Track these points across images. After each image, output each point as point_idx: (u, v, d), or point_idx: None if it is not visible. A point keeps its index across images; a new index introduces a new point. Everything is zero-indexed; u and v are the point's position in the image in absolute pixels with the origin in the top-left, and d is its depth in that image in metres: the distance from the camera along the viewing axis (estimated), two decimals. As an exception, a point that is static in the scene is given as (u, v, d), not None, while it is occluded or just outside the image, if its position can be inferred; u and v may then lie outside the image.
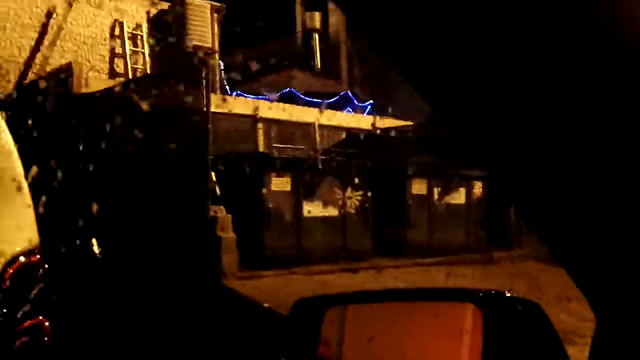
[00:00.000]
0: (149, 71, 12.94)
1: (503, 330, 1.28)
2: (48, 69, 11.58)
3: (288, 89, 15.58)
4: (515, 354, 1.23)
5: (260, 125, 13.22)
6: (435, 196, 11.73)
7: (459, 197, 12.12)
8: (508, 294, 1.36)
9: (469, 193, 12.28)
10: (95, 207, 8.48)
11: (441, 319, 1.59)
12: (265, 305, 6.33)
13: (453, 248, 11.21)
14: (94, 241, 8.02)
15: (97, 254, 7.87)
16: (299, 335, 1.61)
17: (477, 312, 1.35)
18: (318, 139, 13.99)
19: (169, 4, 13.91)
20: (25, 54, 11.70)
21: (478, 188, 12.40)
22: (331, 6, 19.80)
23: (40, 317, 3.51)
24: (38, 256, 3.57)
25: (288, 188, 9.46)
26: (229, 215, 8.42)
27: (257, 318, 6.12)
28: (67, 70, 10.79)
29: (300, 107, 14.63)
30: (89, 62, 12.25)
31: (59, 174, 7.71)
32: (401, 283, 8.59)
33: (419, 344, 1.64)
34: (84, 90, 10.56)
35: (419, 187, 11.51)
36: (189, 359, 5.05)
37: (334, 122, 14.78)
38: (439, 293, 1.73)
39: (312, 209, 9.74)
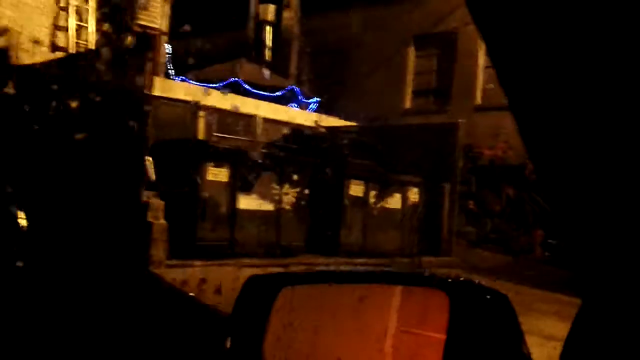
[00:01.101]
0: (92, 47, 12.61)
1: (469, 317, 1.28)
2: (-16, 36, 11.15)
3: (234, 78, 15.45)
4: (479, 342, 1.24)
5: (201, 113, 13.07)
6: (372, 199, 11.83)
7: (394, 201, 12.26)
8: (476, 282, 1.38)
9: (404, 198, 12.43)
10: (26, 181, 8.24)
11: (404, 303, 1.60)
12: (190, 294, 6.29)
13: (385, 251, 11.34)
14: (21, 214, 7.79)
15: (24, 227, 7.64)
16: (248, 314, 1.58)
17: (444, 298, 1.35)
18: (259, 131, 13.94)
19: (120, -20, 13.59)
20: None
21: (414, 194, 12.58)
22: (285, 0, 19.76)
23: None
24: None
25: (225, 179, 9.37)
26: (162, 202, 8.30)
27: (180, 306, 6.07)
28: (3, 35, 10.43)
29: (243, 98, 14.54)
30: (30, 32, 11.84)
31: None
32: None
33: (377, 327, 1.63)
34: (25, 61, 10.24)
35: (356, 189, 11.59)
36: (104, 344, 4.96)
37: (277, 116, 14.75)
38: (405, 277, 1.73)
39: (248, 202, 9.69)
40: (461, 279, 1.42)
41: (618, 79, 0.81)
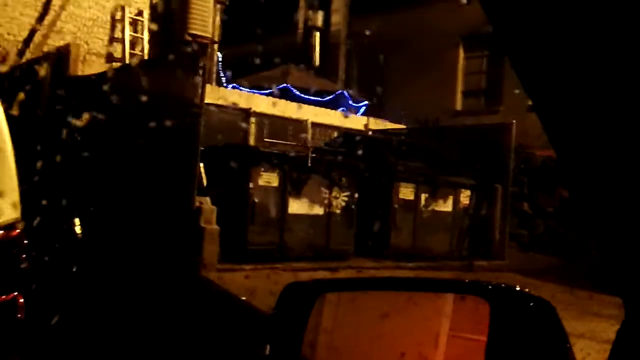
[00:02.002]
0: (146, 58, 12.96)
1: (510, 325, 1.26)
2: (46, 49, 11.59)
3: (284, 84, 15.62)
4: (521, 350, 1.22)
5: (253, 119, 13.26)
6: (422, 202, 11.78)
7: (445, 204, 12.18)
8: (518, 289, 1.35)
9: (455, 201, 12.34)
10: (81, 189, 8.52)
11: (445, 311, 1.57)
12: (242, 298, 6.41)
13: (435, 254, 11.30)
14: (76, 221, 8.06)
15: (79, 235, 7.91)
16: (286, 320, 1.59)
17: (485, 305, 1.33)
18: (310, 136, 14.05)
19: (172, -9, 13.93)
20: (25, 33, 11.70)
21: (465, 196, 12.47)
22: (334, 6, 19.86)
23: (15, 293, 3.56)
24: (17, 231, 3.61)
25: (275, 184, 9.50)
26: (214, 207, 8.46)
27: (232, 310, 6.19)
28: (65, 51, 10.82)
29: (294, 103, 14.68)
30: (87, 44, 12.26)
31: (48, 153, 7.75)
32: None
33: (418, 335, 1.63)
34: (80, 72, 10.60)
35: (406, 192, 11.57)
36: (159, 347, 5.12)
37: (327, 121, 14.84)
38: (445, 284, 1.70)
39: (298, 206, 9.79)
40: (503, 285, 1.39)
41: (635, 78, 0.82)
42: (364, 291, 1.73)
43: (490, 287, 1.39)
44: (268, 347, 1.59)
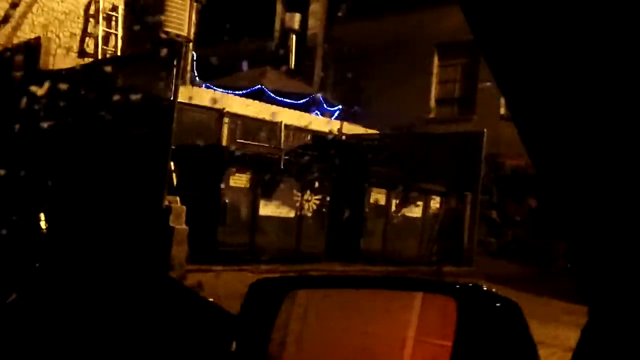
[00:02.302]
0: (119, 54, 12.83)
1: (477, 324, 1.25)
2: (16, 41, 11.41)
3: (259, 85, 15.58)
4: (487, 350, 1.21)
5: (226, 119, 13.20)
6: (393, 207, 11.84)
7: (416, 210, 12.26)
8: (485, 289, 1.34)
9: (426, 207, 12.42)
10: (48, 183, 8.38)
11: (412, 309, 1.54)
12: (210, 299, 6.35)
13: (404, 259, 11.35)
14: (41, 215, 7.92)
15: (43, 230, 7.78)
16: (253, 317, 1.56)
17: (453, 305, 1.31)
18: (283, 138, 14.03)
19: (149, -13, 13.80)
20: (-6, 24, 11.50)
21: (436, 203, 12.56)
22: (311, 9, 19.89)
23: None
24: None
25: (247, 185, 9.47)
26: (184, 207, 8.40)
27: (199, 312, 6.13)
28: (36, 44, 10.65)
29: (268, 105, 14.65)
30: (59, 38, 12.09)
31: (16, 148, 7.62)
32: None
33: (384, 333, 1.60)
34: (50, 66, 10.44)
35: (377, 196, 11.62)
36: (117, 346, 5.04)
37: (300, 124, 14.84)
38: (414, 283, 1.67)
39: (269, 208, 9.77)
40: (470, 284, 1.38)
41: (618, 83, 0.82)
42: (333, 289, 1.71)
43: (458, 286, 1.37)
44: (234, 344, 1.56)
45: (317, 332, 1.68)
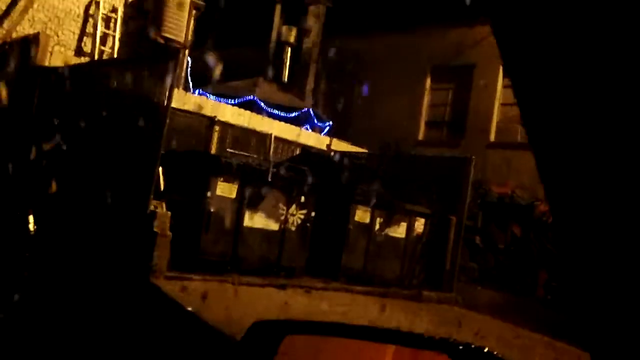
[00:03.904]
0: (116, 55, 12.85)
1: None
2: (14, 35, 11.41)
3: (252, 96, 15.63)
4: None
5: (217, 127, 13.23)
6: (377, 226, 11.85)
7: (399, 230, 12.27)
8: (486, 350, 1.37)
9: (410, 228, 12.44)
10: (37, 184, 8.37)
11: None
12: (188, 308, 6.35)
13: (385, 280, 11.37)
14: (30, 217, 7.91)
15: (31, 231, 7.76)
16: (251, 357, 1.57)
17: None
18: (272, 150, 14.06)
19: (149, -9, 13.86)
20: (-6, 17, 11.50)
21: (420, 225, 12.59)
22: (308, 24, 20.01)
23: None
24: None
25: (233, 195, 9.45)
26: (169, 212, 8.38)
27: (176, 320, 6.13)
28: (34, 40, 10.66)
29: (259, 116, 14.70)
30: (58, 36, 12.10)
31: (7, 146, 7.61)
32: (326, 305, 8.71)
33: None
34: (47, 63, 10.45)
35: (362, 215, 11.63)
36: (98, 350, 5.05)
37: (290, 137, 14.89)
38: (408, 337, 1.68)
39: (254, 219, 9.76)
40: (464, 343, 1.41)
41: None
42: (326, 336, 1.73)
43: (453, 343, 1.43)
44: None
45: None
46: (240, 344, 1.57)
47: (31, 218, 7.61)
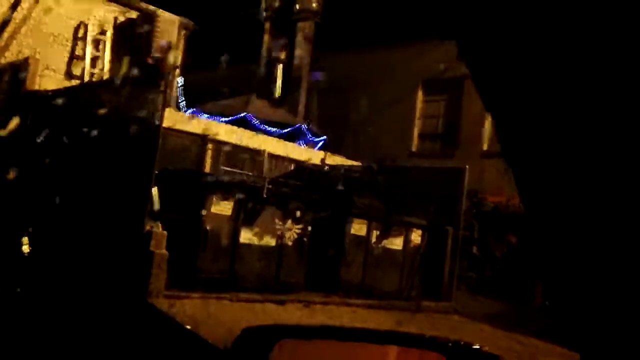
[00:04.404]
0: (106, 77, 12.86)
1: None
2: (3, 61, 11.41)
3: (244, 113, 15.64)
4: None
5: (210, 145, 13.22)
6: (374, 239, 11.83)
7: (397, 242, 12.25)
8: (476, 347, 1.37)
9: (407, 240, 12.42)
10: (32, 205, 8.32)
11: None
12: (187, 327, 6.30)
13: (384, 292, 11.33)
14: (24, 240, 7.87)
15: (25, 253, 7.72)
16: None
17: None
18: (266, 167, 14.06)
19: (138, 13, 13.89)
20: (-18, 43, 11.50)
21: (417, 236, 12.58)
22: (298, 39, 20.08)
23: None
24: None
25: (229, 212, 9.44)
26: (165, 232, 8.35)
27: (175, 339, 6.08)
28: (23, 65, 10.66)
29: (252, 133, 14.70)
30: (47, 60, 12.10)
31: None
32: (327, 320, 8.67)
33: None
34: (37, 87, 10.44)
35: (358, 228, 11.61)
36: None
37: (284, 153, 14.89)
38: (403, 338, 1.67)
39: (250, 236, 9.73)
40: (462, 342, 1.41)
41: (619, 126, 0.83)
42: (323, 340, 1.71)
43: (449, 343, 1.40)
44: None
45: None
46: (230, 352, 1.53)
47: (25, 240, 7.56)
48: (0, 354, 4.67)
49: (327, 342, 1.69)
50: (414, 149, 18.65)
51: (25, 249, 7.59)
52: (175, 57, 14.01)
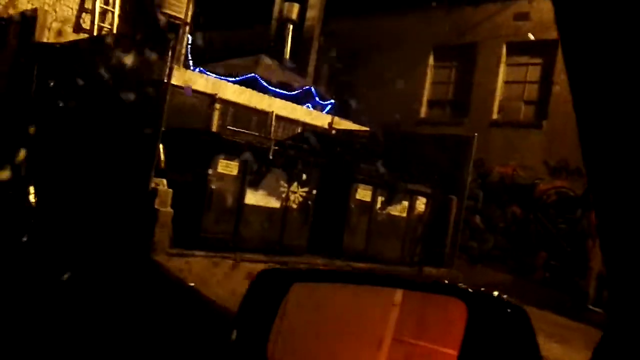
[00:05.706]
0: (115, 32, 12.73)
1: (488, 330, 1.27)
2: (12, 11, 11.28)
3: (253, 74, 15.51)
4: (496, 353, 1.23)
5: (217, 105, 13.15)
6: (378, 205, 11.84)
7: (401, 209, 12.27)
8: (496, 294, 1.37)
9: (411, 207, 12.44)
10: (39, 158, 8.33)
11: (419, 310, 1.61)
12: (190, 284, 6.35)
13: (387, 258, 11.39)
14: (31, 189, 7.89)
15: (32, 203, 7.75)
16: (257, 307, 1.57)
17: (463, 307, 1.34)
18: (273, 128, 14.00)
19: (149, -33, 13.69)
20: (-8, -9, 11.36)
21: (421, 204, 12.59)
22: (311, 0, 19.83)
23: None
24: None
25: (235, 172, 9.42)
26: (170, 190, 8.36)
27: (178, 296, 6.13)
28: (32, 16, 10.55)
29: (260, 94, 14.60)
30: (56, 12, 11.97)
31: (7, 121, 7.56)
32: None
33: (382, 332, 1.62)
34: (45, 39, 10.36)
35: (363, 193, 11.61)
36: (99, 325, 5.04)
37: (292, 115, 14.81)
38: (424, 284, 1.74)
39: (256, 197, 9.74)
40: (482, 289, 1.40)
41: None
42: (338, 284, 1.72)
43: (470, 290, 1.39)
44: (235, 332, 1.57)
45: (313, 327, 1.68)
46: (247, 293, 1.55)
47: (32, 190, 7.58)
48: (2, 302, 4.71)
49: (341, 286, 1.70)
50: (422, 115, 18.50)
51: (32, 198, 7.61)
52: (185, 14, 13.84)
